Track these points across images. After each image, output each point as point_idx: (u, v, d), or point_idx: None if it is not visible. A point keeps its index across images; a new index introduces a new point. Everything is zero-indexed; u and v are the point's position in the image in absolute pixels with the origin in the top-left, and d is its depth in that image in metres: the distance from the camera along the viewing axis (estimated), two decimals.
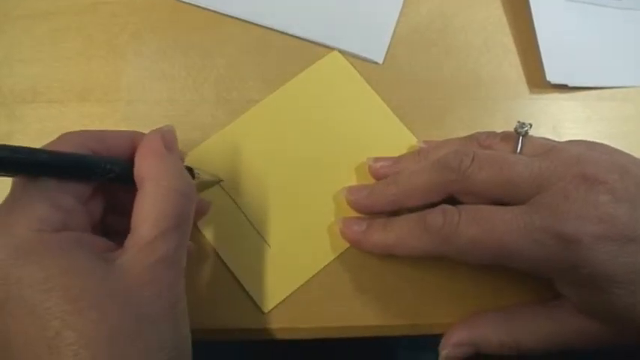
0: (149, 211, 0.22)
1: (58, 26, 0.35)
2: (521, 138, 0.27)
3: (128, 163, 0.24)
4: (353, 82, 0.34)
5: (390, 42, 0.35)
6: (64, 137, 0.23)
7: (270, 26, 0.36)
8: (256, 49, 0.35)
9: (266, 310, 0.28)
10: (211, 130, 0.32)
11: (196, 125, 0.33)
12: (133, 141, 0.25)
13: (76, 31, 0.35)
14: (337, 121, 0.33)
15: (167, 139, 0.25)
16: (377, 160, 0.30)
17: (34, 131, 0.32)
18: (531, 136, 0.27)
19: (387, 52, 0.35)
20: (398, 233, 0.27)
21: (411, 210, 0.28)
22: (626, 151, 0.33)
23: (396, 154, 0.31)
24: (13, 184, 0.22)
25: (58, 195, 0.21)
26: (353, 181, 0.31)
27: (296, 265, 0.29)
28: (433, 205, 0.27)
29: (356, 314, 0.29)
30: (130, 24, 0.36)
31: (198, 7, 0.36)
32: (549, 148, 0.26)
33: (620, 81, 0.35)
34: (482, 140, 0.29)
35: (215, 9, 0.36)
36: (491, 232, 0.24)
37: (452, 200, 0.27)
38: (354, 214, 0.30)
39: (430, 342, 0.29)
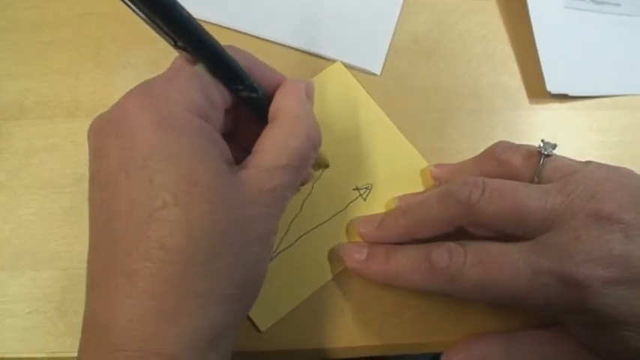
0: (279, 142, 0.22)
1: (46, 39, 0.34)
2: (543, 158, 0.26)
3: (268, 96, 0.24)
4: (355, 94, 0.33)
5: (388, 52, 0.35)
6: (229, 47, 0.23)
7: (265, 37, 0.35)
8: None
9: (263, 329, 0.28)
10: None
11: None
12: (280, 84, 0.25)
13: (64, 44, 0.34)
14: (340, 135, 0.32)
15: (308, 89, 0.25)
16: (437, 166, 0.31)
17: (22, 148, 0.31)
18: (554, 157, 0.26)
19: (384, 63, 0.34)
20: (400, 267, 0.26)
21: (419, 240, 0.27)
22: (628, 160, 0.32)
23: (397, 168, 0.31)
24: (172, 63, 0.22)
25: (211, 88, 0.22)
26: (355, 197, 0.31)
27: (295, 283, 0.29)
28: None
29: (354, 334, 0.28)
30: (119, 35, 0.35)
31: None
32: (569, 173, 0.25)
33: (621, 89, 0.35)
34: (499, 153, 0.27)
35: (209, 20, 0.35)
36: (497, 275, 0.23)
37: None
38: (356, 233, 0.29)
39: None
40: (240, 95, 0.23)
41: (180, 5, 0.19)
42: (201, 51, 0.21)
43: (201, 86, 0.21)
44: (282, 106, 0.23)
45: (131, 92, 0.21)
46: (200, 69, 0.22)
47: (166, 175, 0.19)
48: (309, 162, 0.24)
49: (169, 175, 0.19)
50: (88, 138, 0.21)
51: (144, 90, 0.21)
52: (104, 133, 0.20)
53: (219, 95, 0.22)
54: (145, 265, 0.18)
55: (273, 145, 0.22)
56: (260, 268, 0.22)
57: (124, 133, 0.19)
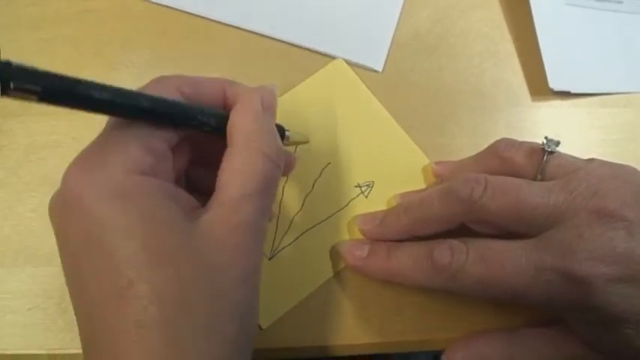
0: (236, 171, 0.21)
1: (46, 36, 0.34)
2: (546, 155, 0.26)
3: (223, 116, 0.23)
4: (357, 91, 0.33)
5: (390, 49, 0.35)
6: (160, 81, 0.22)
7: (267, 34, 0.35)
8: (253, 57, 0.34)
9: (264, 326, 0.28)
10: None
11: None
12: (224, 89, 0.24)
13: (65, 41, 0.34)
14: (341, 132, 0.32)
15: (266, 99, 0.24)
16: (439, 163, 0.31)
17: (24, 145, 0.31)
18: (558, 154, 0.26)
19: (386, 59, 0.34)
20: (401, 264, 0.26)
21: (420, 237, 0.27)
22: (630, 157, 0.32)
23: (399, 165, 0.31)
24: (107, 124, 0.21)
25: (151, 139, 0.21)
26: (356, 194, 0.31)
27: (296, 280, 0.28)
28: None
29: (355, 332, 0.28)
30: (119, 33, 0.34)
31: (192, 14, 0.35)
32: (572, 170, 0.25)
33: (623, 87, 0.35)
34: (502, 150, 0.27)
35: (210, 17, 0.35)
36: (500, 273, 0.23)
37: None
38: (357, 231, 0.29)
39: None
40: (196, 129, 0.22)
41: (85, 83, 0.18)
42: (137, 115, 0.20)
43: (139, 141, 0.20)
44: (236, 124, 0.22)
45: (70, 167, 0.20)
46: (137, 123, 0.21)
47: (124, 250, 0.18)
48: (275, 183, 0.23)
49: (127, 249, 0.18)
50: (50, 217, 0.20)
51: (82, 162, 0.20)
52: (58, 215, 0.20)
53: (161, 141, 0.21)
54: (127, 343, 0.17)
55: (232, 176, 0.21)
56: (250, 305, 0.21)
57: (74, 213, 0.19)
